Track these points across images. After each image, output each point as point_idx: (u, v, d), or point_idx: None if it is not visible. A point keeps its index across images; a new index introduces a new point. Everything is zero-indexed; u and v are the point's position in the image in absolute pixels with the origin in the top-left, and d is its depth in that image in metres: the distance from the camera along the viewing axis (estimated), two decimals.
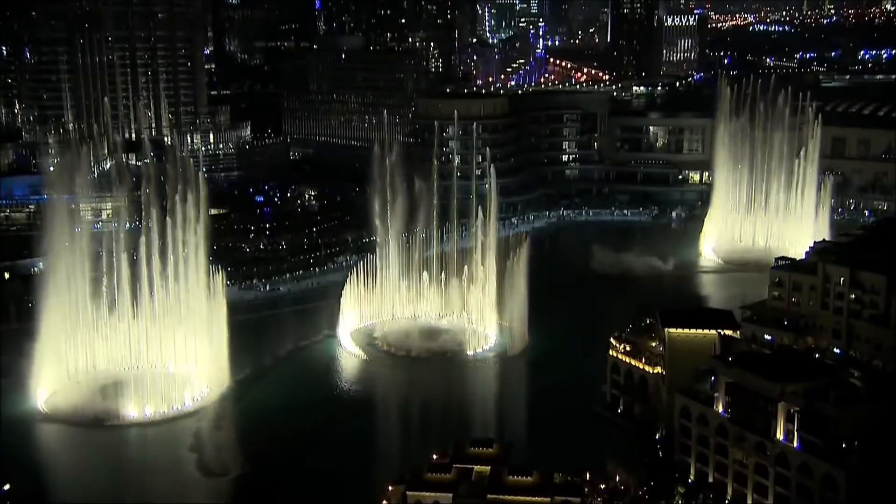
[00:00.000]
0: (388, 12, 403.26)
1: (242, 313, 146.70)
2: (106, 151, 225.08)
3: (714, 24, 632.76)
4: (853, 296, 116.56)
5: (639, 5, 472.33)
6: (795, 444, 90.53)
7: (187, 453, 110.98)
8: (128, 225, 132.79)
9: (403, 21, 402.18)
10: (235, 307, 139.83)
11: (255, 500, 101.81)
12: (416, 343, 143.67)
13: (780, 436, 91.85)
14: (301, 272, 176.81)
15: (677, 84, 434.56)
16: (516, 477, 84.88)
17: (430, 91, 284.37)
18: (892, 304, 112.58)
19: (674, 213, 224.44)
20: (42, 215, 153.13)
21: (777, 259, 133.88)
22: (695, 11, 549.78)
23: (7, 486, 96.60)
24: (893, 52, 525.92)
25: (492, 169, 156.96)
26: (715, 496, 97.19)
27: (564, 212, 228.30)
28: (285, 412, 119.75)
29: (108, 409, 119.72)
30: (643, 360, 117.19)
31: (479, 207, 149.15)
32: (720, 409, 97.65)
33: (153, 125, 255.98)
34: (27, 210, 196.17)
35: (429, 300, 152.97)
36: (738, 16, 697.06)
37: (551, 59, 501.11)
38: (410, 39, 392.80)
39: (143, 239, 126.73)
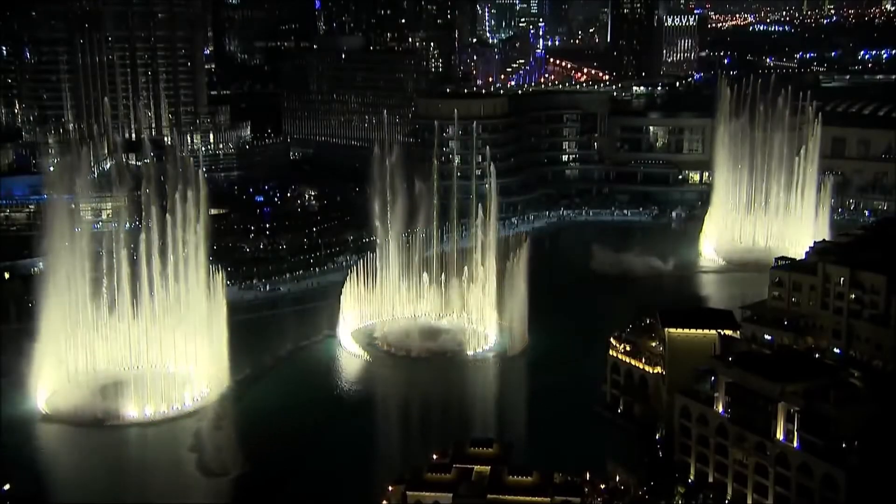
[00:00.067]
0: (388, 12, 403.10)
1: (242, 313, 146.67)
2: (106, 151, 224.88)
3: (714, 24, 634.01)
4: (853, 296, 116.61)
5: (639, 5, 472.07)
6: (795, 444, 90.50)
7: (187, 453, 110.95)
8: (128, 225, 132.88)
9: (403, 21, 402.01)
10: (235, 307, 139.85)
11: (255, 500, 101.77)
12: (416, 343, 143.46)
13: (780, 436, 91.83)
14: (301, 272, 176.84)
15: (677, 84, 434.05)
16: (516, 477, 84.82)
17: (430, 91, 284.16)
18: (892, 304, 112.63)
19: (674, 213, 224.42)
20: (42, 215, 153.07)
21: (777, 259, 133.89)
22: (695, 11, 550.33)
23: (7, 486, 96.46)
24: (893, 52, 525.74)
25: (492, 169, 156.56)
26: (715, 496, 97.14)
27: (564, 212, 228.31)
28: (285, 412, 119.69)
29: (109, 409, 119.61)
30: (643, 360, 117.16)
31: (479, 207, 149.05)
32: (720, 409, 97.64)
33: (153, 125, 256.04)
34: (27, 210, 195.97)
35: (429, 300, 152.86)
36: (737, 16, 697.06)
37: (551, 59, 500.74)
38: (410, 39, 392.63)
39: (143, 239, 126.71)
